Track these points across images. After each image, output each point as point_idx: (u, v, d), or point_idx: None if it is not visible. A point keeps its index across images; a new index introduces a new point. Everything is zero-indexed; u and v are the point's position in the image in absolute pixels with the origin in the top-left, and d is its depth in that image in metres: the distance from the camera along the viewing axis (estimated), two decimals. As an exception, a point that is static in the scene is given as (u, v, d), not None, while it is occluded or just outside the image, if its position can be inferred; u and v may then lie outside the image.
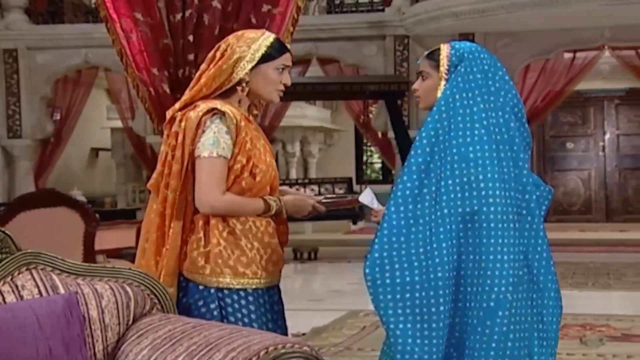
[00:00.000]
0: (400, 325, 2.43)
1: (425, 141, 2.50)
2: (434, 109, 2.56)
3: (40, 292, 2.37)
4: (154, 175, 2.70)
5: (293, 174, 15.81)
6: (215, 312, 2.60)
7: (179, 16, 4.43)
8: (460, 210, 2.46)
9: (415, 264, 2.43)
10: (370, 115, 12.88)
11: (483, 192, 2.46)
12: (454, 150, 2.49)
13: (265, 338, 2.20)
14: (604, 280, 8.94)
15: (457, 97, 2.55)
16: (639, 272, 9.46)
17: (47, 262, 2.47)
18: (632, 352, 5.29)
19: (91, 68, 12.85)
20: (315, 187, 11.96)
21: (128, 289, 2.48)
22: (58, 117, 13.19)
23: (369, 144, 16.70)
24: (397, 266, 2.44)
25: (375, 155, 17.49)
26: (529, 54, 11.22)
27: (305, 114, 15.94)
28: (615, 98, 16.27)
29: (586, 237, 13.42)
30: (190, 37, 4.43)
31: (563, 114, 16.15)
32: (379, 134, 12.52)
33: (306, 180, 13.02)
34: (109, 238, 6.39)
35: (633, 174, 16.22)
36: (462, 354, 2.49)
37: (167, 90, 4.51)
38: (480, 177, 2.47)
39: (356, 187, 13.75)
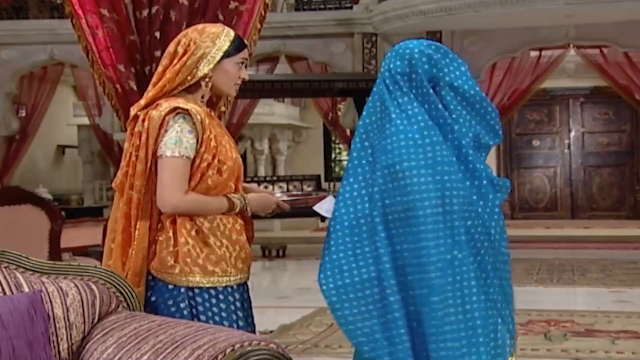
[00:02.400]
0: (367, 323, 2.48)
1: (357, 139, 2.57)
2: (367, 104, 2.60)
3: (3, 291, 2.35)
4: (119, 174, 2.68)
5: (261, 172, 15.79)
6: (185, 312, 2.59)
7: (145, 12, 4.41)
8: (388, 201, 2.49)
9: (370, 260, 2.50)
10: (339, 113, 12.91)
11: (408, 181, 2.47)
12: (381, 143, 2.52)
13: (231, 335, 2.20)
14: (569, 277, 9.05)
15: (386, 90, 2.57)
16: (602, 268, 9.59)
17: (11, 260, 2.45)
18: (594, 347, 5.37)
19: (57, 64, 12.75)
20: (284, 185, 11.94)
21: (93, 286, 2.46)
22: (23, 114, 13.06)
23: (337, 141, 16.74)
24: (354, 265, 2.50)
25: (344, 153, 17.53)
26: (495, 52, 11.33)
27: (274, 112, 15.94)
28: (580, 96, 16.48)
29: (551, 234, 13.57)
30: (157, 34, 4.41)
31: (529, 112, 16.32)
32: (348, 132, 12.56)
33: (274, 178, 12.97)
34: (75, 236, 6.34)
35: (597, 171, 16.44)
36: (416, 341, 2.51)
37: (134, 87, 4.49)
38: (399, 167, 2.47)
39: (325, 185, 13.76)
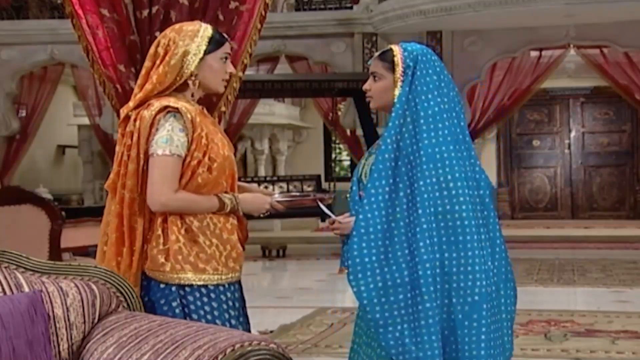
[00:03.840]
0: (399, 327, 2.52)
1: (390, 146, 2.59)
2: (394, 113, 2.63)
3: (4, 291, 2.35)
4: (111, 175, 2.69)
5: (262, 172, 15.78)
6: (177, 310, 2.60)
7: (145, 12, 4.41)
8: (433, 209, 2.54)
9: (403, 265, 2.53)
10: (339, 113, 12.90)
11: (454, 192, 2.54)
12: (422, 152, 2.57)
13: (231, 335, 2.20)
14: (569, 277, 9.05)
15: (417, 100, 2.62)
16: (602, 268, 9.59)
17: (11, 260, 2.45)
18: (594, 347, 5.37)
19: (57, 64, 12.73)
20: (284, 185, 11.96)
21: (94, 286, 2.46)
22: (24, 114, 13.04)
23: (337, 141, 16.71)
24: (386, 269, 2.53)
25: (344, 153, 17.50)
26: (495, 52, 11.33)
27: (274, 112, 15.92)
28: (580, 96, 16.48)
29: (551, 234, 13.58)
30: (157, 34, 4.39)
31: (529, 112, 16.32)
32: (348, 132, 12.55)
33: (275, 178, 13.00)
34: (75, 236, 6.34)
35: (598, 171, 16.44)
36: (446, 349, 2.55)
37: (134, 87, 4.49)
38: (450, 177, 2.55)
39: (325, 185, 13.77)
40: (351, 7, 12.14)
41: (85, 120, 14.14)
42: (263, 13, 4.46)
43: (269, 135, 16.36)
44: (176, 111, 2.58)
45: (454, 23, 10.71)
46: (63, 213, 6.07)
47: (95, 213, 10.84)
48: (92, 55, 4.47)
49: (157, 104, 2.60)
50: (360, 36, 11.73)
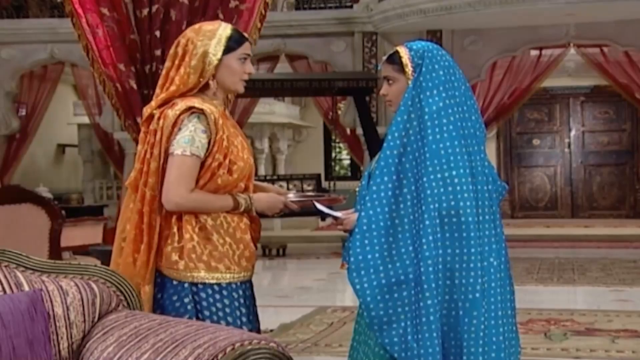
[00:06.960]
0: (402, 324, 2.51)
1: (398, 141, 2.58)
2: (398, 110, 2.63)
3: (4, 289, 2.35)
4: (133, 173, 2.71)
5: (262, 171, 15.78)
6: (189, 307, 2.62)
7: (145, 11, 4.42)
8: (437, 205, 2.53)
9: (407, 262, 2.52)
10: (339, 112, 12.90)
11: (458, 188, 2.54)
12: (426, 149, 2.57)
13: (231, 334, 2.21)
14: (569, 276, 9.05)
15: (422, 96, 2.62)
16: (602, 267, 9.59)
17: (11, 259, 2.45)
18: (594, 346, 5.37)
19: (57, 63, 12.73)
20: (284, 184, 11.96)
21: (94, 285, 2.47)
22: (24, 113, 13.05)
23: (337, 140, 16.73)
24: (390, 266, 2.52)
25: (344, 152, 17.51)
26: (495, 51, 11.33)
27: (274, 111, 15.93)
28: (580, 95, 16.47)
29: (551, 233, 13.57)
30: (157, 33, 4.41)
31: (529, 111, 16.32)
32: (348, 131, 12.55)
33: (275, 177, 13.00)
34: (75, 235, 6.35)
35: (598, 170, 16.44)
36: (445, 346, 2.55)
37: (134, 86, 4.49)
38: (454, 172, 2.54)
39: (325, 184, 13.77)
40: (351, 6, 12.14)
41: (85, 119, 14.14)
42: (263, 12, 4.47)
43: (269, 135, 16.36)
44: (200, 112, 2.59)
45: (454, 22, 10.71)
46: (63, 212, 6.07)
47: (95, 212, 10.87)
48: (92, 54, 4.48)
49: (181, 104, 2.61)
50: (360, 35, 11.74)
